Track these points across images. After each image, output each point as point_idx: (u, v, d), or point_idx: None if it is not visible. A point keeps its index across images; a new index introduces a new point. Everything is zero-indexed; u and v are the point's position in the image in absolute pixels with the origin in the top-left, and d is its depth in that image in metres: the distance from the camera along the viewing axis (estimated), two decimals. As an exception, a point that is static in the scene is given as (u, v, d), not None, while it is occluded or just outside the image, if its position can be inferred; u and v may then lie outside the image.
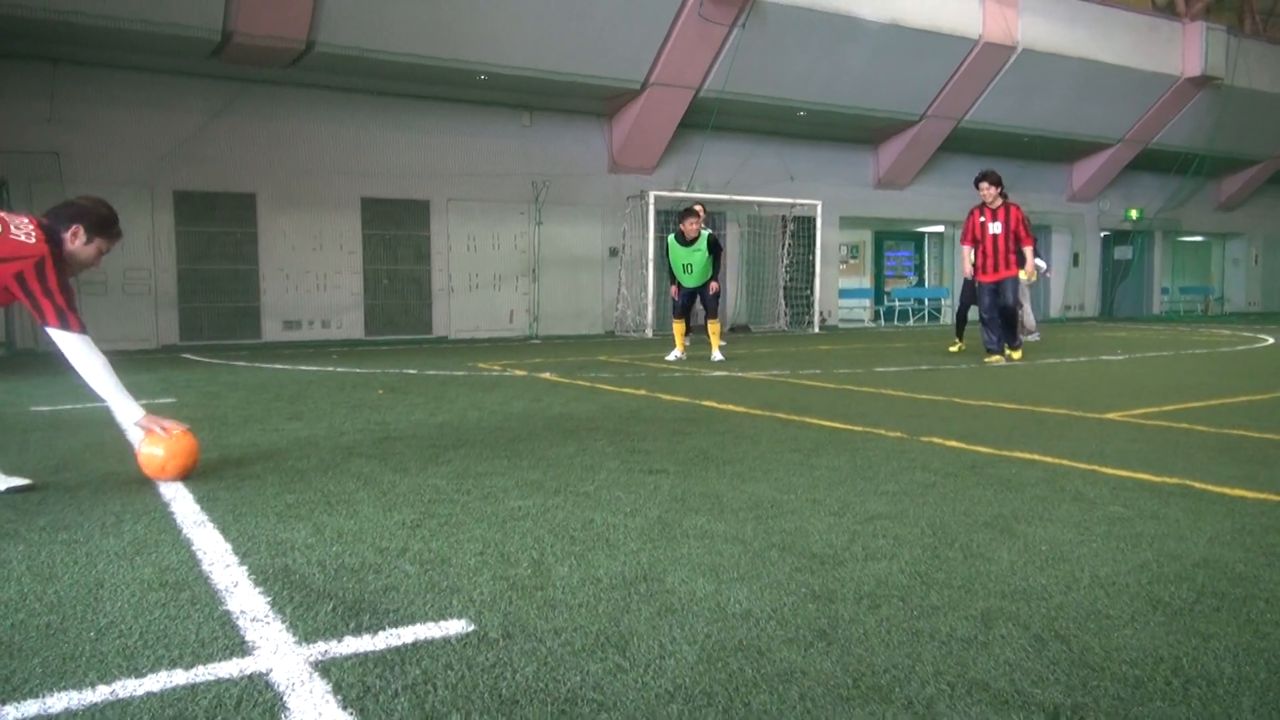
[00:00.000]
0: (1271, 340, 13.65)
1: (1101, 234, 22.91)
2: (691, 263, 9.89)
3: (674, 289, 10.20)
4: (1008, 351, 9.74)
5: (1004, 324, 9.71)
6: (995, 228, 9.56)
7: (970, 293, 11.07)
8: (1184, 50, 18.69)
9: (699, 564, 2.70)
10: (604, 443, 4.77)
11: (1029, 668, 1.97)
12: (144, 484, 3.78)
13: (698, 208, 10.07)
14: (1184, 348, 12.15)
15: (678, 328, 10.39)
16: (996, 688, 1.88)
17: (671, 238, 10.04)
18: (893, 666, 1.98)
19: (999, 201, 9.65)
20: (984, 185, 9.67)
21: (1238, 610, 2.31)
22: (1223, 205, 24.40)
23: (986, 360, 9.67)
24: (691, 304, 10.26)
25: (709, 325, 10.24)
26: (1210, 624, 2.22)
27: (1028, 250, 9.57)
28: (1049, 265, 9.78)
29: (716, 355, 10.07)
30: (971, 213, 9.90)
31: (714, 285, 9.94)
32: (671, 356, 10.25)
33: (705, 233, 9.89)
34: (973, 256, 9.97)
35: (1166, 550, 2.82)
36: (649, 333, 15.01)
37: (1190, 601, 2.37)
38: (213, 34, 11.28)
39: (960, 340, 11.67)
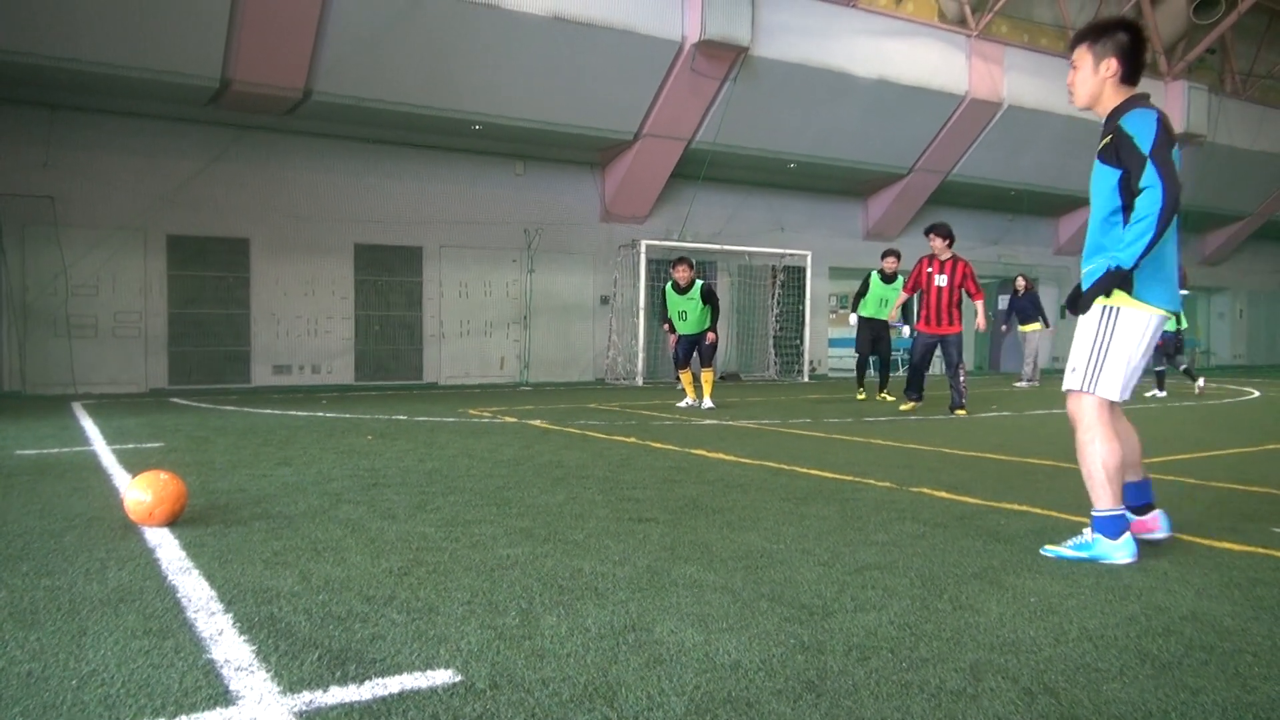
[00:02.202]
0: (1257, 394, 13.74)
1: (1088, 286, 23.13)
2: (686, 310, 10.22)
3: (672, 338, 10.51)
4: (956, 411, 9.61)
5: (951, 381, 9.83)
6: (941, 280, 9.58)
7: (867, 344, 11.53)
8: (1167, 108, 19.07)
9: (688, 614, 2.68)
10: (594, 491, 4.76)
11: (1018, 721, 1.96)
12: (129, 529, 3.75)
13: (687, 257, 10.44)
14: (1170, 400, 12.21)
15: (684, 377, 10.61)
16: (986, 742, 1.87)
17: (668, 285, 10.37)
18: (882, 719, 1.97)
19: (948, 254, 9.65)
20: (933, 237, 9.68)
21: (1226, 664, 2.31)
22: (1207, 260, 24.70)
23: (902, 408, 9.89)
24: (691, 352, 10.46)
25: (702, 373, 10.41)
26: (1198, 678, 2.21)
27: (979, 304, 9.71)
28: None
29: (707, 403, 10.17)
30: (919, 262, 9.87)
31: (711, 336, 10.18)
32: (683, 404, 10.44)
33: (699, 283, 10.21)
34: (915, 307, 10.21)
35: (1155, 603, 2.82)
36: (639, 380, 15.03)
37: (1179, 655, 2.37)
38: (211, 82, 11.43)
39: (863, 389, 11.83)
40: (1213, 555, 3.44)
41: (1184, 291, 13.28)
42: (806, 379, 17.01)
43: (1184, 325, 12.94)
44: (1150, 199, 3.18)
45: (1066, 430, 8.57)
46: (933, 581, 3.05)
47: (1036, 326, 15.55)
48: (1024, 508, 4.35)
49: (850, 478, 5.23)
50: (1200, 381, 13.19)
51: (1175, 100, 18.98)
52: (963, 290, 9.59)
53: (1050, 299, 22.19)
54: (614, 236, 16.06)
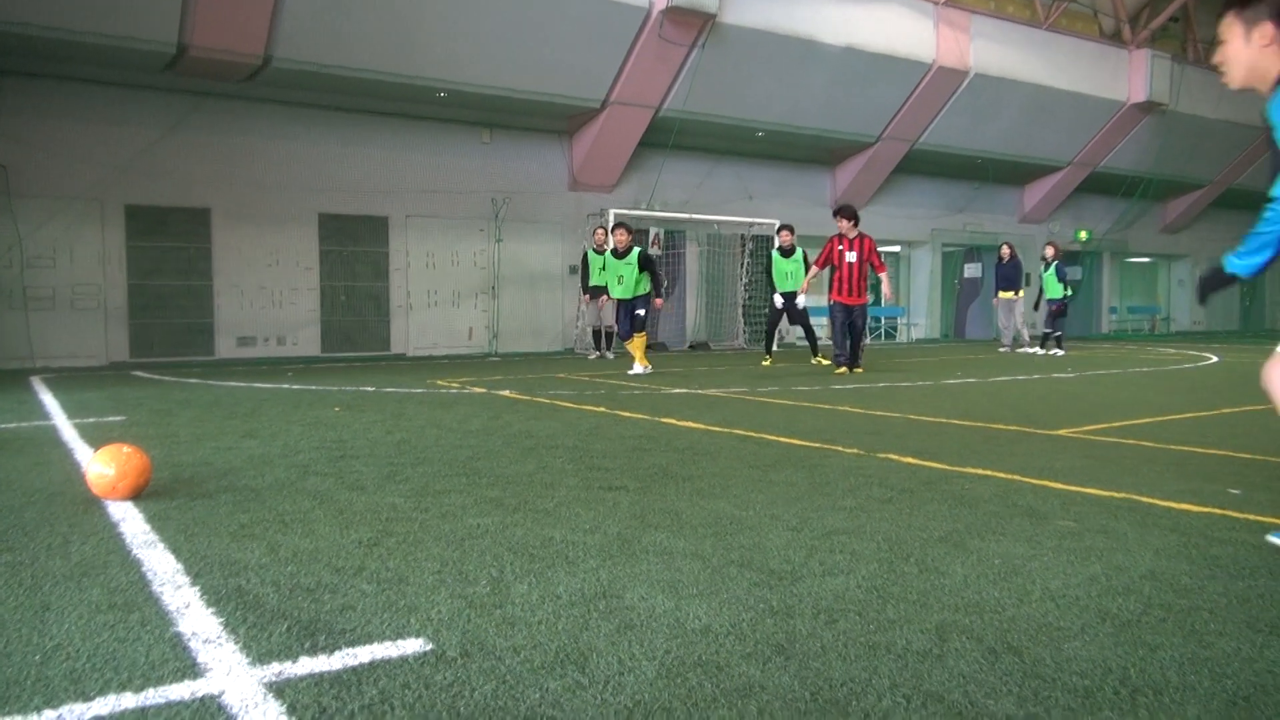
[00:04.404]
0: (1215, 359, 14.02)
1: (1052, 255, 23.40)
2: (623, 274, 10.62)
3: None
4: (856, 369, 10.88)
5: (852, 343, 11.00)
6: (851, 256, 10.84)
7: (777, 315, 12.39)
8: (1130, 77, 19.23)
9: (658, 580, 2.70)
10: (563, 460, 4.76)
11: (982, 679, 2.00)
12: (92, 504, 3.70)
13: (625, 222, 11.16)
14: (1131, 366, 12.43)
15: (630, 344, 10.85)
16: (951, 700, 1.90)
17: (607, 251, 10.83)
18: (850, 680, 2.00)
19: (855, 233, 10.84)
20: (841, 219, 10.84)
21: (1183, 621, 2.37)
22: (1168, 227, 25.05)
23: (836, 371, 10.84)
24: (631, 319, 10.76)
25: (635, 339, 10.72)
26: (1157, 635, 2.27)
27: (884, 276, 10.98)
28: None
29: (636, 368, 10.51)
30: (830, 241, 11.01)
31: (658, 302, 10.62)
32: (633, 371, 10.57)
33: (637, 249, 10.60)
34: (828, 280, 11.27)
35: (1115, 563, 2.88)
36: (609, 353, 15.01)
37: (1137, 613, 2.43)
38: (167, 47, 11.15)
39: (770, 356, 12.83)
40: (1171, 516, 3.52)
41: (1075, 275, 14.71)
42: (775, 347, 17.07)
43: (1054, 295, 15.13)
44: (1275, 215, 2.68)
45: (1029, 396, 8.69)
46: (899, 545, 3.09)
47: (1022, 294, 16.43)
48: (988, 472, 4.42)
49: (818, 444, 5.27)
50: (1057, 350, 15.18)
51: (1139, 68, 19.14)
52: (869, 264, 10.84)
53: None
54: (582, 205, 15.96)
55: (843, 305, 10.88)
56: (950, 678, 2.01)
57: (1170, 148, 20.54)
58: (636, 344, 10.66)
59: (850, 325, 10.93)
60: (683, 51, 13.98)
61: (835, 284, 10.91)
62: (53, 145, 12.13)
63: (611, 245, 10.73)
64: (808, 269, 11.70)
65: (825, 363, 11.71)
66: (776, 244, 12.26)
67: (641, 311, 10.54)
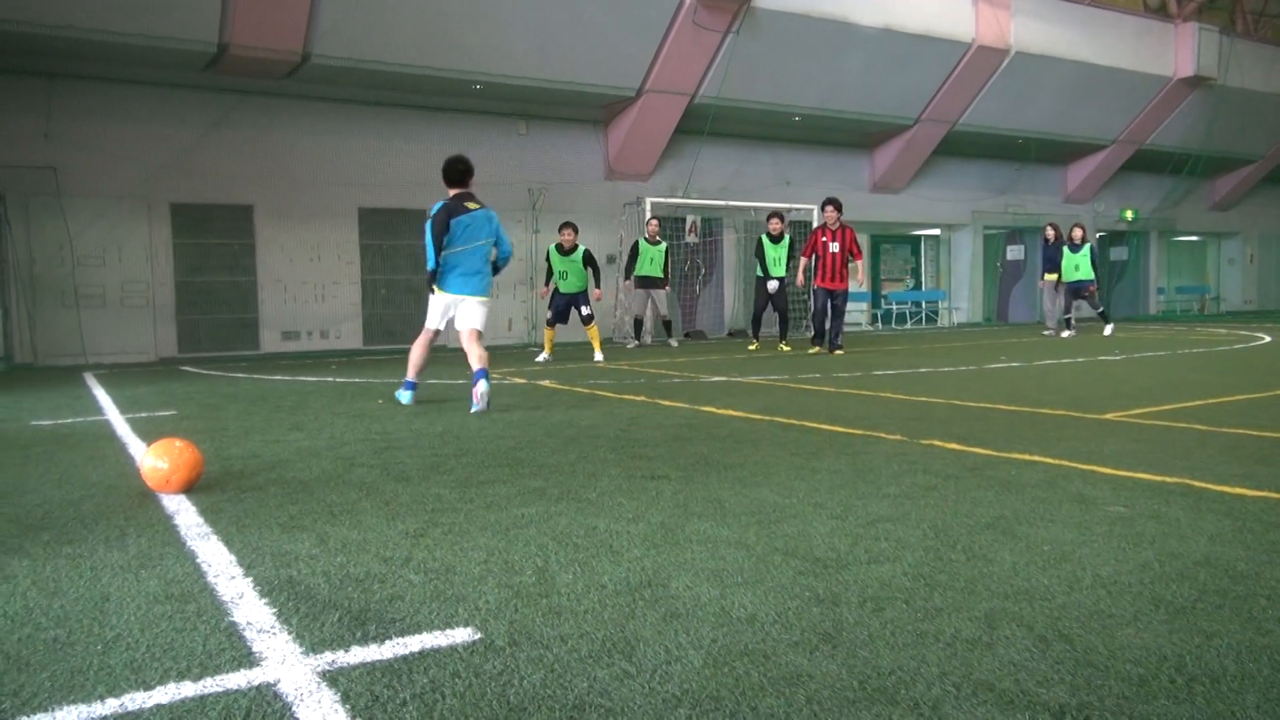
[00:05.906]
0: (1268, 339, 13.68)
1: (1097, 235, 22.95)
2: (567, 270, 11.34)
3: (544, 289, 11.70)
4: (836, 351, 11.73)
5: (834, 326, 11.93)
6: (834, 246, 11.66)
7: (764, 299, 12.73)
8: (1176, 51, 18.75)
9: (703, 569, 2.70)
10: (605, 449, 4.77)
11: (1033, 668, 1.98)
12: (147, 497, 3.79)
13: (572, 222, 11.76)
14: (1181, 347, 12.17)
15: (549, 334, 11.58)
16: (1001, 688, 1.89)
17: (552, 246, 11.53)
18: (898, 668, 1.99)
19: (838, 224, 11.64)
20: (830, 209, 11.67)
21: (1240, 608, 2.32)
22: (1217, 205, 24.45)
23: (810, 352, 11.81)
24: (568, 310, 11.45)
25: (589, 330, 11.43)
26: (1213, 622, 2.23)
27: (859, 263, 11.84)
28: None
29: (598, 356, 11.20)
30: (815, 231, 11.99)
31: (597, 293, 11.44)
32: (540, 359, 11.18)
33: (582, 247, 11.41)
34: (813, 267, 12.08)
35: (1168, 549, 2.83)
36: (648, 339, 15.02)
37: (1192, 600, 2.38)
38: (208, 47, 11.30)
39: (756, 341, 13.48)
40: (1225, 501, 3.45)
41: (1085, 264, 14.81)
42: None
43: (1090, 276, 15.21)
44: (426, 243, 6.82)
45: (1076, 379, 8.57)
46: (945, 532, 3.06)
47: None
48: (1035, 458, 4.36)
49: (861, 431, 5.24)
50: (1070, 331, 15.41)
51: (1185, 42, 18.65)
52: (849, 252, 11.64)
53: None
54: (618, 195, 15.94)
55: (826, 290, 11.80)
56: (1000, 666, 1.99)
57: (1219, 123, 20.01)
58: (594, 334, 11.47)
59: (832, 309, 11.87)
60: (717, 37, 13.89)
61: (820, 271, 11.81)
62: (100, 145, 12.36)
63: (558, 241, 11.47)
64: (793, 254, 12.52)
65: (788, 349, 12.46)
66: (766, 230, 12.67)
67: (586, 309, 11.36)
